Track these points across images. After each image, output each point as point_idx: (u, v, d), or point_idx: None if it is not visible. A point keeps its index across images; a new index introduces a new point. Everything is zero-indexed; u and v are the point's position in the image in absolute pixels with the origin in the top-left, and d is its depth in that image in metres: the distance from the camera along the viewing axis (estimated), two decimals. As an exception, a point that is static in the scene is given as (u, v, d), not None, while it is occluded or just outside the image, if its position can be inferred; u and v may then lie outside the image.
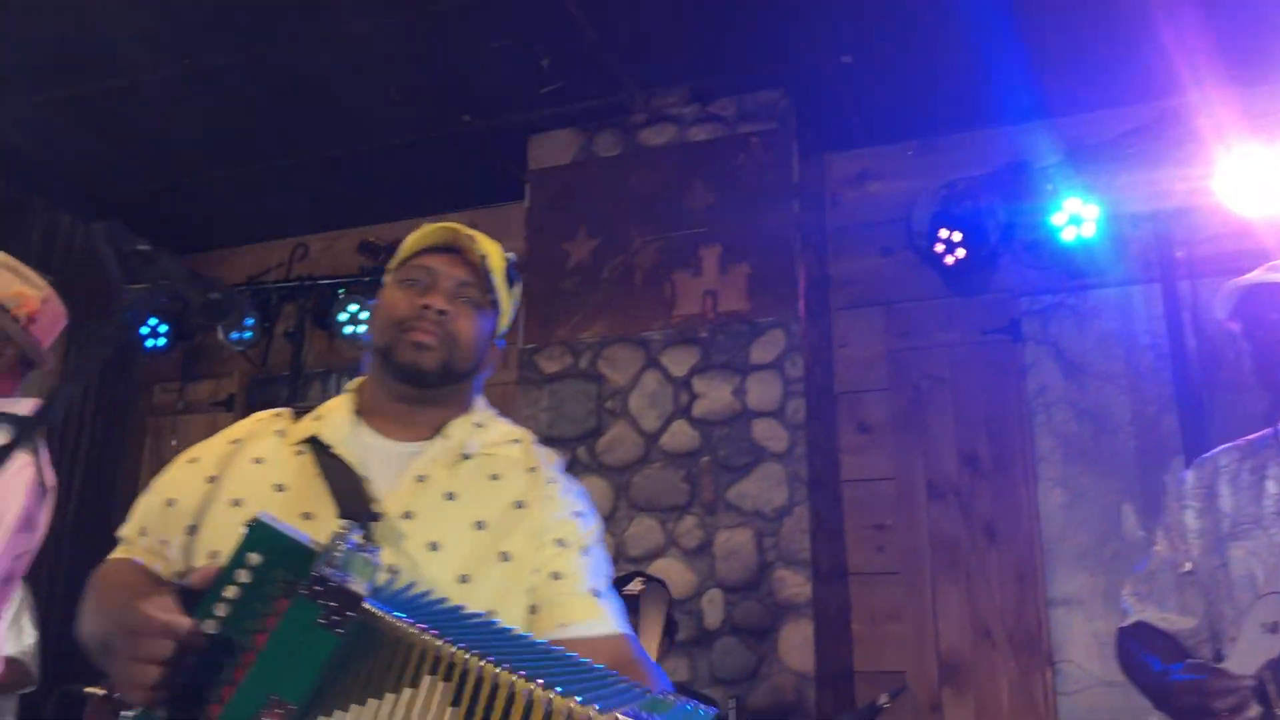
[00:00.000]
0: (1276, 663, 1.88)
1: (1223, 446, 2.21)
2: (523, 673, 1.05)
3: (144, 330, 4.89)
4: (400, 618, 1.13)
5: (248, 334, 4.83)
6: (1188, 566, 2.18)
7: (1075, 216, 3.85)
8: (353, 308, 4.69)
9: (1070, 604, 3.80)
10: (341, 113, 4.29)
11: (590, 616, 1.44)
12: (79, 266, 4.98)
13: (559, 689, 1.03)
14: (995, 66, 3.81)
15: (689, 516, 3.83)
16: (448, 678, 1.07)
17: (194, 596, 1.18)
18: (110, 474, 5.18)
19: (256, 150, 4.56)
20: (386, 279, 1.64)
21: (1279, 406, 2.12)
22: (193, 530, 1.48)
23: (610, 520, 3.86)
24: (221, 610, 1.16)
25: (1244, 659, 1.94)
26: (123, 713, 1.19)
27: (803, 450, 3.74)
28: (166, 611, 1.15)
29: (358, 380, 1.66)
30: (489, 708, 1.04)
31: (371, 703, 1.10)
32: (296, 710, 1.11)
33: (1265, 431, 2.16)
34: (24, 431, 1.53)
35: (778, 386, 3.82)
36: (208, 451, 1.59)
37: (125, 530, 1.57)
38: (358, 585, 1.14)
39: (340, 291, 4.73)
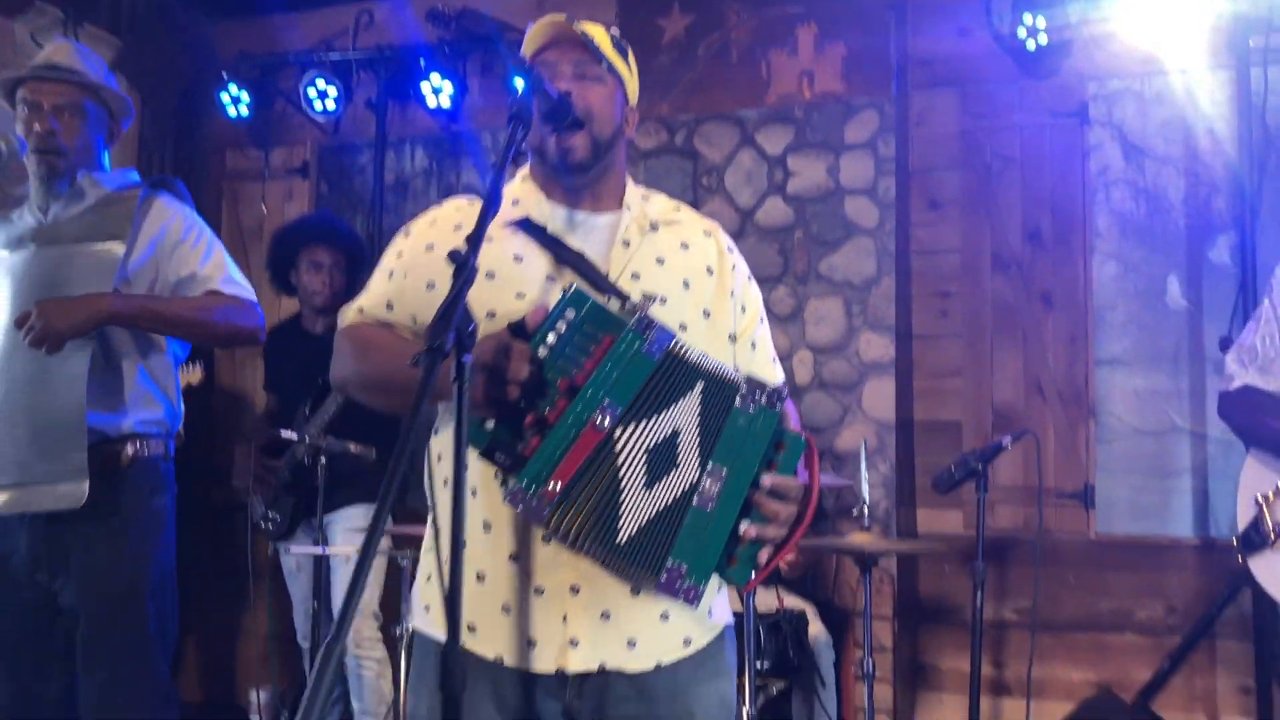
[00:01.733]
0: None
1: None
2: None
3: (226, 100, 4.94)
4: (692, 352, 1.61)
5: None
6: None
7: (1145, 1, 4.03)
8: (435, 78, 4.77)
9: (1114, 364, 4.27)
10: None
11: (775, 378, 1.90)
12: (147, 30, 4.97)
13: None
14: None
15: (781, 286, 4.18)
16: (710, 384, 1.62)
17: (523, 332, 1.56)
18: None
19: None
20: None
21: None
22: None
23: (707, 288, 4.20)
24: (544, 351, 1.55)
25: None
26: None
27: (892, 226, 4.06)
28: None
29: (524, 169, 1.90)
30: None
31: (669, 407, 1.58)
32: (622, 411, 1.55)
33: None
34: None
35: (870, 165, 4.09)
36: (439, 238, 1.79)
37: (364, 302, 1.84)
38: (669, 328, 1.61)
39: (421, 61, 4.79)
